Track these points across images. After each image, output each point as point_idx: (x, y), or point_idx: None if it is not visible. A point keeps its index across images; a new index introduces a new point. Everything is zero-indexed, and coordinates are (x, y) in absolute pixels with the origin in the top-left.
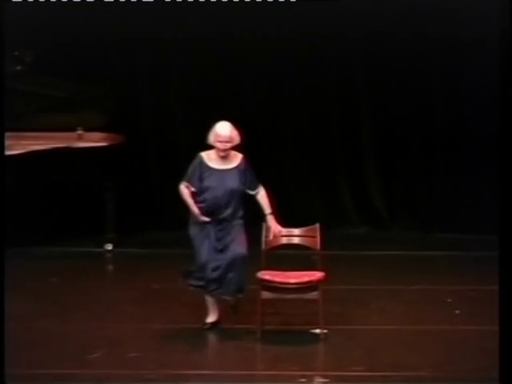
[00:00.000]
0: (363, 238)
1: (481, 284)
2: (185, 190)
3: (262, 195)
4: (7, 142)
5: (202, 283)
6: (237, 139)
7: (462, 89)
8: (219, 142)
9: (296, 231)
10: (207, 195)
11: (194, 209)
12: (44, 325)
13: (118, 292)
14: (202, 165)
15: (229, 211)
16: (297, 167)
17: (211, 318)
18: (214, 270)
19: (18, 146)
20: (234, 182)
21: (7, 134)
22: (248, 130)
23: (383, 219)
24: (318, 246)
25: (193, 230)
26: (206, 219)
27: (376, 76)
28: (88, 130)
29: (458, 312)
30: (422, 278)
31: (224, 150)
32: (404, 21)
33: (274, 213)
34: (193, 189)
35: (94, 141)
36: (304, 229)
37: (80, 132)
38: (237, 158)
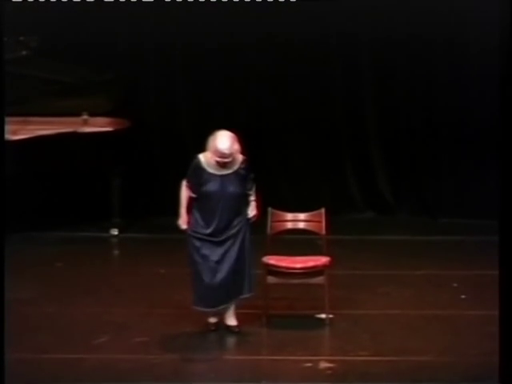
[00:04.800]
0: (369, 223)
1: (487, 269)
2: (184, 190)
3: (251, 198)
4: (13, 127)
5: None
6: (237, 152)
7: (468, 77)
8: (218, 157)
9: (301, 216)
10: (206, 202)
11: (183, 212)
12: (50, 310)
13: (124, 277)
14: (200, 170)
15: (230, 220)
16: (302, 152)
17: (214, 318)
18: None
19: (23, 130)
20: (234, 188)
21: (13, 119)
22: (253, 116)
23: (389, 204)
24: (324, 231)
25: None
26: (185, 227)
27: (381, 63)
28: (93, 114)
29: (464, 297)
30: (428, 263)
31: (223, 164)
32: (410, 21)
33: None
34: (193, 194)
35: (99, 126)
36: (309, 213)
37: (85, 117)
38: (236, 161)
